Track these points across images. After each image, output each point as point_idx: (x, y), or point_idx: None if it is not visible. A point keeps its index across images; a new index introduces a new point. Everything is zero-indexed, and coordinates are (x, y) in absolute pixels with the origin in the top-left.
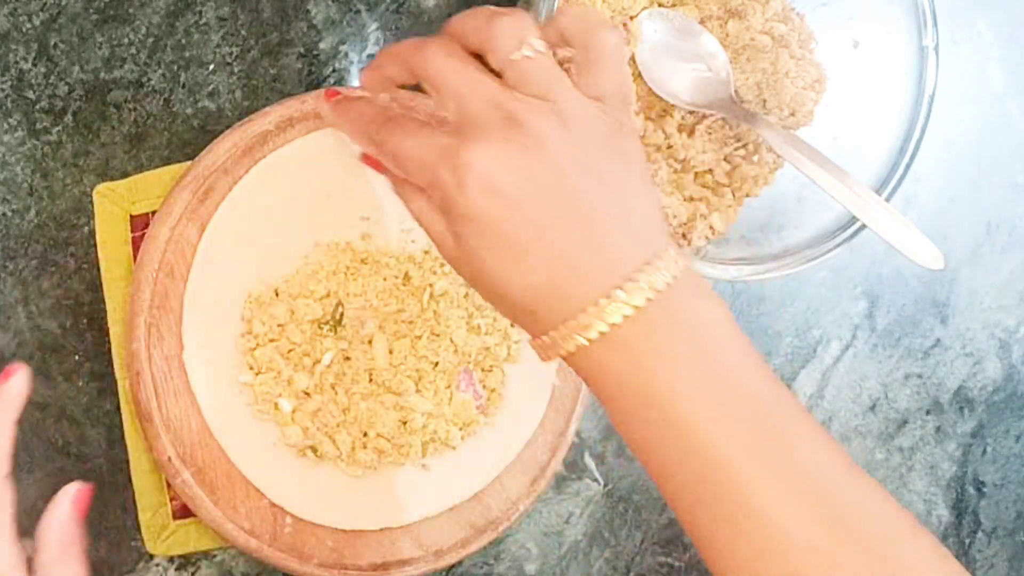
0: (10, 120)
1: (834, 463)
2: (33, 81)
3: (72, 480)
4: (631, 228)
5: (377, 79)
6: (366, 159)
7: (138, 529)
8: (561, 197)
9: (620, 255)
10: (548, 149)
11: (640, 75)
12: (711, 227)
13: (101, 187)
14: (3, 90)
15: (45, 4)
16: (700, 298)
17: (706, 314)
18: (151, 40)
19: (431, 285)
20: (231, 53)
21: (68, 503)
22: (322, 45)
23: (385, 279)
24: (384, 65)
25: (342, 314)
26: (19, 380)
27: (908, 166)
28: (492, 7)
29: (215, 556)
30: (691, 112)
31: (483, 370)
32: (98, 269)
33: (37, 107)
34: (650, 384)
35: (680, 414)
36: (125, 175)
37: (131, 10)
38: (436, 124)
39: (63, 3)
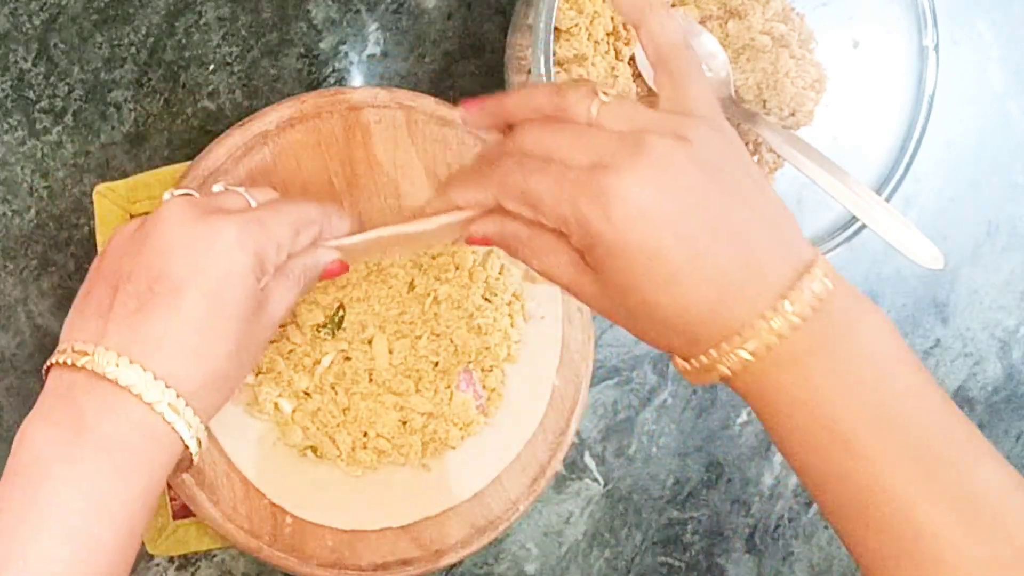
0: (10, 120)
1: (1005, 486)
2: (33, 81)
3: None
4: (781, 237)
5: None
6: (471, 241)
7: None
8: (709, 212)
9: (777, 265)
10: (684, 167)
11: (640, 75)
12: None
13: (101, 187)
14: (3, 90)
15: (45, 4)
16: (860, 304)
17: (869, 323)
18: (151, 40)
19: (435, 291)
20: (231, 53)
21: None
22: (322, 45)
23: (391, 287)
24: (479, 161)
25: (342, 317)
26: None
27: (908, 166)
28: (550, 84)
29: (215, 556)
30: None
31: (483, 370)
32: None
33: (37, 107)
34: (816, 401)
35: (847, 434)
36: (125, 175)
37: (131, 10)
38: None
39: (63, 3)
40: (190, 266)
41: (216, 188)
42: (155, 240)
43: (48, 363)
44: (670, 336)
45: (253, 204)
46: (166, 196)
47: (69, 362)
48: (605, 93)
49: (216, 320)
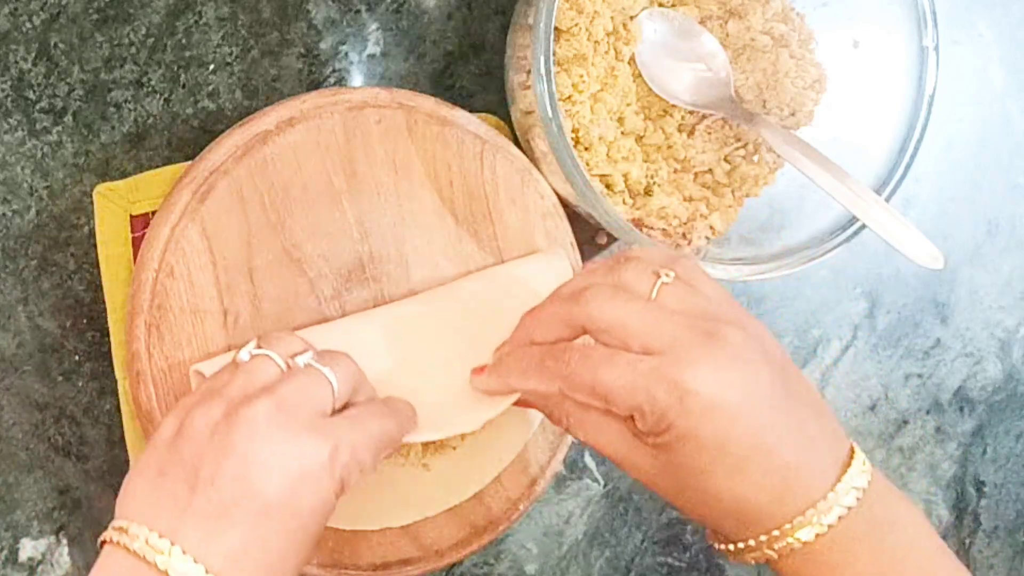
0: (10, 120)
1: None
2: (33, 81)
3: (72, 481)
4: (828, 427)
5: (525, 342)
6: (519, 403)
7: None
8: (776, 406)
9: (828, 456)
10: (754, 361)
11: (640, 75)
12: (711, 227)
13: (101, 187)
14: (3, 90)
15: (45, 4)
16: (892, 491)
17: (907, 513)
18: (151, 40)
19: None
20: (231, 53)
21: None
22: (322, 45)
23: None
24: (535, 330)
25: None
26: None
27: (908, 166)
28: (603, 261)
29: None
30: (691, 112)
31: None
32: (98, 269)
33: (37, 107)
34: None
35: None
36: (125, 175)
37: (131, 10)
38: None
39: (63, 3)
40: (280, 490)
41: (300, 356)
42: (243, 449)
43: (108, 538)
44: (722, 519)
45: (333, 380)
46: (243, 355)
47: (140, 552)
48: (667, 274)
49: (296, 541)
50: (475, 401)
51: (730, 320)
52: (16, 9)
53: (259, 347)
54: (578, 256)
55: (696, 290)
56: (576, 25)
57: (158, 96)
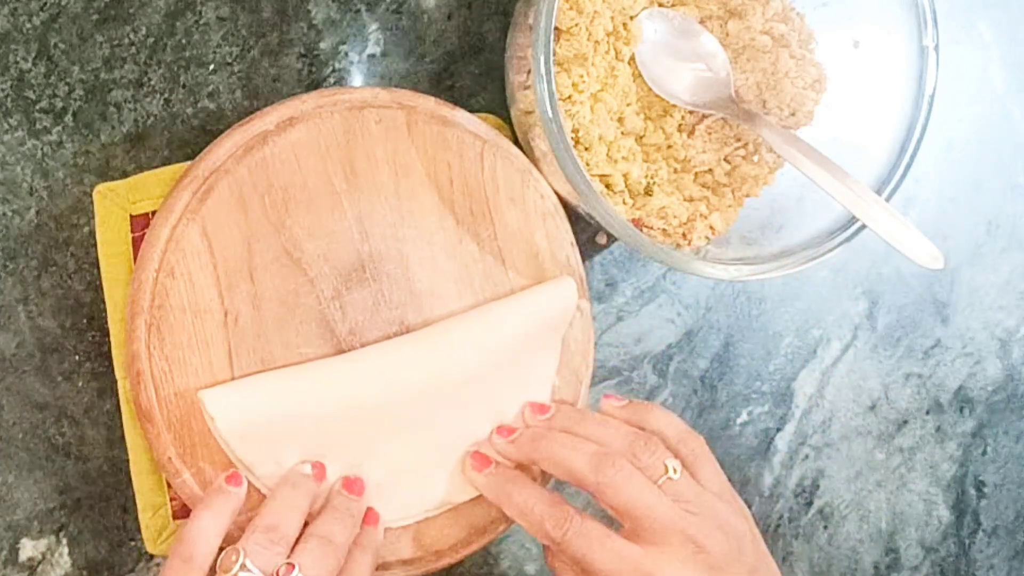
0: (10, 120)
1: None
2: (33, 81)
3: (72, 481)
4: None
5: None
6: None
7: (138, 529)
8: None
9: None
10: (721, 564)
11: (640, 75)
12: (711, 227)
13: (101, 187)
14: (3, 90)
15: (45, 4)
16: None
17: None
18: (151, 40)
19: None
20: (231, 53)
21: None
22: (322, 45)
23: None
24: (544, 461)
25: None
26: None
27: (908, 166)
28: (626, 426)
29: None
30: (691, 112)
31: None
32: (98, 269)
33: (37, 107)
34: None
35: None
36: (125, 175)
37: (131, 10)
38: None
39: (63, 3)
40: None
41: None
42: None
43: None
44: None
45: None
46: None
47: None
48: (674, 469)
49: None
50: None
51: (718, 522)
52: (16, 9)
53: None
54: (578, 256)
55: (698, 489)
56: (576, 25)
57: (158, 96)
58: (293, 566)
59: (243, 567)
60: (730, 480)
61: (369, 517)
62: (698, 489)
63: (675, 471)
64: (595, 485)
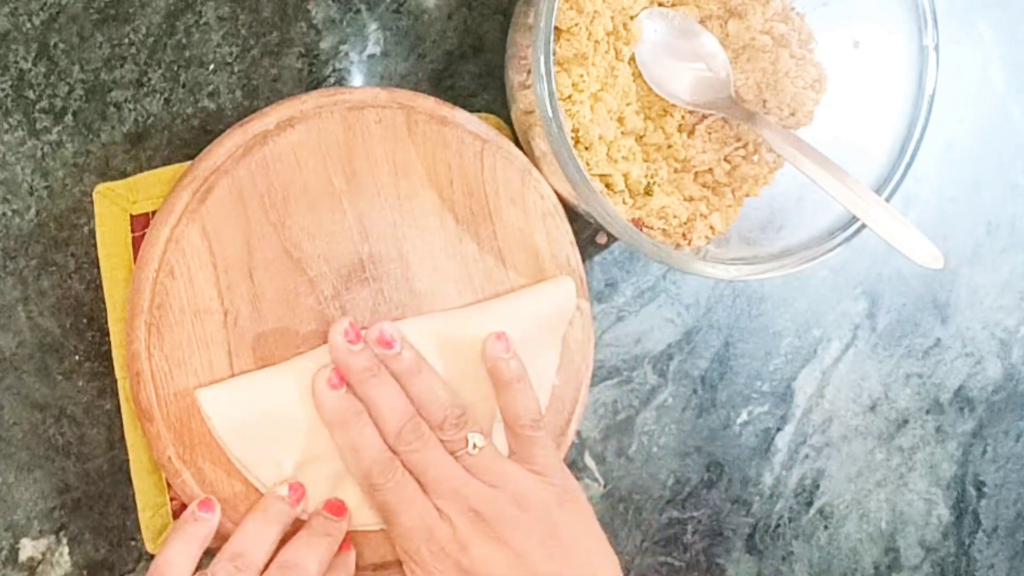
0: (10, 120)
1: None
2: (33, 81)
3: (72, 481)
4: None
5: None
6: None
7: (138, 529)
8: (526, 571)
9: None
10: (511, 535)
11: (640, 75)
12: (711, 227)
13: (101, 187)
14: (3, 90)
15: (45, 4)
16: None
17: None
18: (151, 40)
19: None
20: (231, 53)
21: None
22: (322, 45)
23: None
24: (363, 394)
25: None
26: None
27: (908, 166)
28: (446, 396)
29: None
30: (691, 112)
31: None
32: (98, 269)
33: (37, 107)
34: None
35: None
36: (125, 175)
37: (131, 10)
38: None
39: (63, 3)
40: None
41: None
42: None
43: None
44: None
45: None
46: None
47: None
48: (475, 446)
49: None
50: None
51: (514, 496)
52: (16, 9)
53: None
54: (578, 256)
55: (500, 462)
56: (576, 25)
57: (158, 96)
58: None
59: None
60: (730, 480)
61: (346, 543)
62: (503, 464)
63: (475, 447)
64: (393, 439)
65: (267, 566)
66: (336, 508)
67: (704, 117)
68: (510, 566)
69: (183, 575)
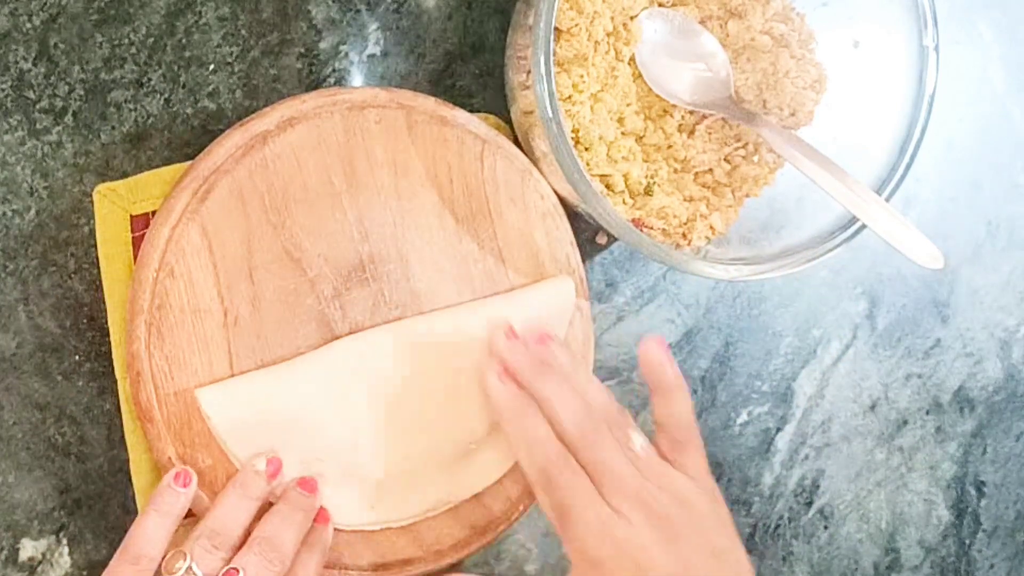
0: (10, 120)
1: None
2: (33, 81)
3: (72, 481)
4: None
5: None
6: None
7: None
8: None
9: None
10: (682, 537)
11: (640, 75)
12: (711, 227)
13: (101, 187)
14: (3, 90)
15: (45, 4)
16: None
17: None
18: (151, 40)
19: None
20: (231, 53)
21: None
22: (322, 45)
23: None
24: (537, 390)
25: None
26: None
27: (908, 166)
28: (608, 393)
29: None
30: (691, 112)
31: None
32: (98, 269)
33: (37, 107)
34: None
35: None
36: (125, 175)
37: (131, 10)
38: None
39: (63, 3)
40: None
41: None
42: None
43: None
44: None
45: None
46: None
47: None
48: (641, 447)
49: None
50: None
51: (680, 498)
52: (16, 9)
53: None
54: (578, 256)
55: (664, 467)
56: (576, 25)
57: (158, 96)
58: (237, 571)
59: (189, 570)
60: (730, 480)
61: (320, 516)
62: (666, 467)
63: (641, 448)
64: (573, 437)
65: (242, 542)
66: (309, 485)
67: (704, 117)
68: (681, 569)
69: (158, 548)
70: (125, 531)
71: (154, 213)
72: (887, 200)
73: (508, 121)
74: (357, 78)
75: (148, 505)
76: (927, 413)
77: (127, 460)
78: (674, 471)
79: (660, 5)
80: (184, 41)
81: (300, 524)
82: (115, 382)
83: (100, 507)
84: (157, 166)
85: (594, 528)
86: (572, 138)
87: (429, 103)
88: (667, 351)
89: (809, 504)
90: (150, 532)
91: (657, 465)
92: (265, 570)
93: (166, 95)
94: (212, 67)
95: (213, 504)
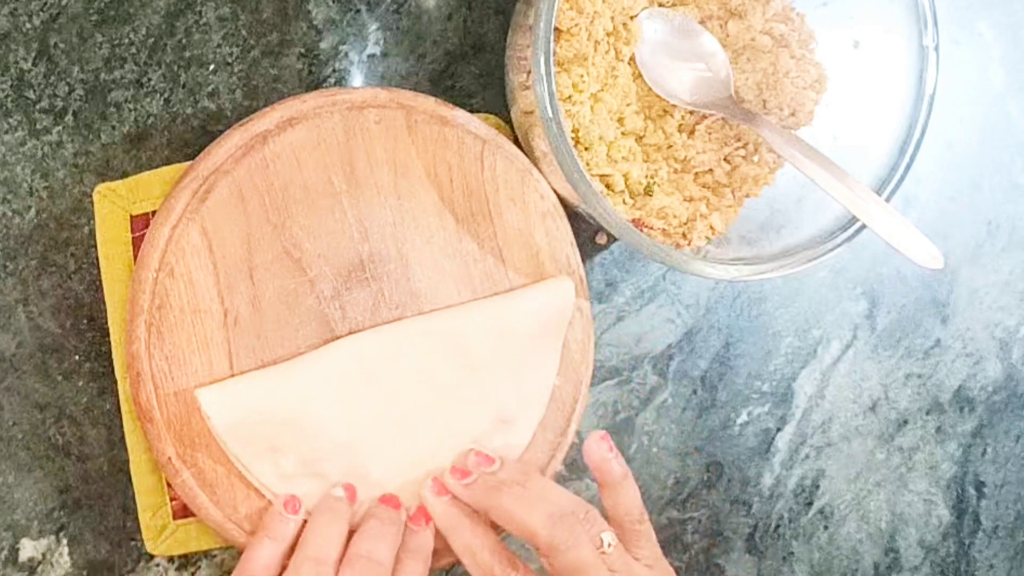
0: (10, 120)
1: None
2: (33, 81)
3: (72, 481)
4: None
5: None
6: None
7: (138, 529)
8: None
9: None
10: None
11: (640, 75)
12: (711, 227)
13: (101, 187)
14: (3, 90)
15: (45, 4)
16: None
17: None
18: (151, 40)
19: None
20: (231, 53)
21: None
22: (322, 45)
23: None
24: (505, 519)
25: None
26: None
27: (908, 166)
28: (567, 493)
29: (215, 556)
30: (691, 112)
31: None
32: (98, 269)
33: (37, 107)
34: None
35: None
36: (125, 175)
37: (131, 10)
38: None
39: (63, 3)
40: None
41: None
42: None
43: None
44: None
45: None
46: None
47: None
48: (610, 544)
49: None
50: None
51: None
52: (16, 9)
53: None
54: (578, 256)
55: (627, 561)
56: (576, 25)
57: (158, 96)
58: None
59: None
60: (730, 480)
61: (415, 518)
62: (631, 563)
63: (609, 545)
64: (547, 542)
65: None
66: (392, 502)
67: (704, 117)
68: None
69: (272, 573)
70: (125, 531)
71: (154, 213)
72: (887, 200)
73: (508, 121)
74: (357, 78)
75: (260, 531)
76: (927, 413)
77: (127, 460)
78: (637, 565)
79: (660, 5)
80: (184, 41)
81: (393, 538)
82: (115, 382)
83: (100, 507)
84: (157, 166)
85: None
86: (572, 138)
87: (429, 103)
88: (610, 446)
89: (809, 504)
90: (265, 559)
91: (622, 561)
92: None
93: (166, 95)
94: (212, 67)
95: (306, 531)
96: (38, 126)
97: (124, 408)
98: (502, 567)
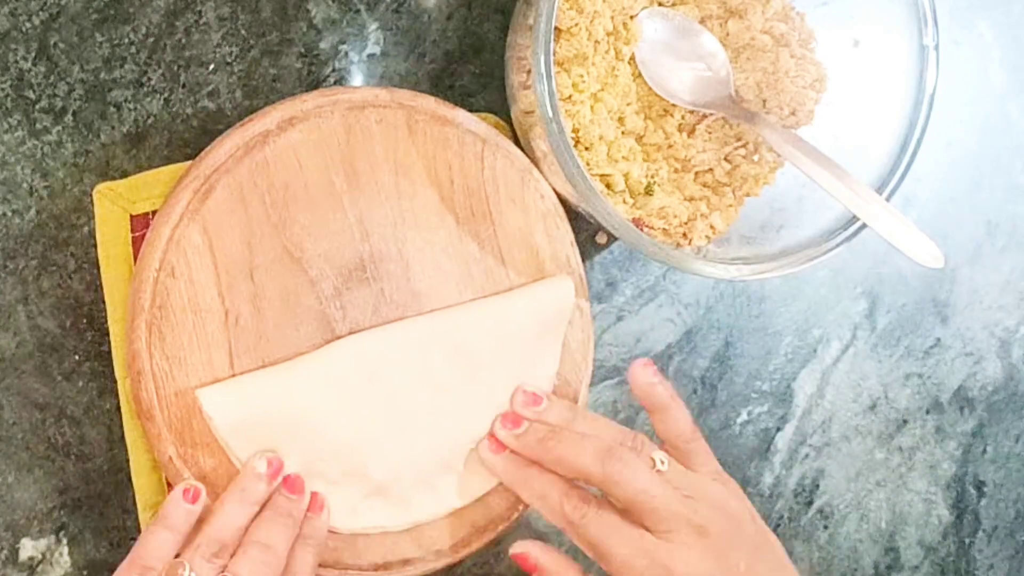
0: (10, 120)
1: None
2: (33, 81)
3: (72, 481)
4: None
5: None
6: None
7: (138, 529)
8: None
9: None
10: (725, 546)
11: (640, 75)
12: (711, 226)
13: (101, 187)
14: (3, 90)
15: (45, 4)
16: None
17: None
18: (151, 40)
19: None
20: (231, 53)
21: None
22: (322, 45)
23: None
24: (557, 461)
25: None
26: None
27: (908, 166)
28: (613, 423)
29: None
30: (691, 112)
31: None
32: (98, 269)
33: (37, 107)
34: None
35: None
36: (125, 175)
37: (131, 10)
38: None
39: (63, 3)
40: None
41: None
42: None
43: None
44: None
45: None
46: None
47: None
48: (662, 462)
49: None
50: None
51: (715, 504)
52: (16, 9)
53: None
54: (578, 256)
55: (691, 477)
56: (576, 25)
57: (158, 96)
58: None
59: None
60: None
61: (313, 504)
62: (691, 476)
63: (663, 463)
64: (602, 477)
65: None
66: (294, 487)
67: (704, 117)
68: (730, 571)
69: (164, 561)
70: (125, 531)
71: (154, 213)
72: (887, 200)
73: (508, 121)
74: (357, 78)
75: (156, 518)
76: (927, 413)
77: (127, 460)
78: (699, 476)
79: (660, 5)
80: (184, 41)
81: (291, 525)
82: (115, 382)
83: (100, 507)
84: (157, 166)
85: (633, 556)
86: (572, 138)
87: (429, 103)
88: (655, 371)
89: (809, 504)
90: (156, 546)
91: (683, 476)
92: (259, 573)
93: (166, 95)
94: (212, 67)
95: (214, 509)
96: (38, 126)
97: (124, 408)
98: (572, 504)
